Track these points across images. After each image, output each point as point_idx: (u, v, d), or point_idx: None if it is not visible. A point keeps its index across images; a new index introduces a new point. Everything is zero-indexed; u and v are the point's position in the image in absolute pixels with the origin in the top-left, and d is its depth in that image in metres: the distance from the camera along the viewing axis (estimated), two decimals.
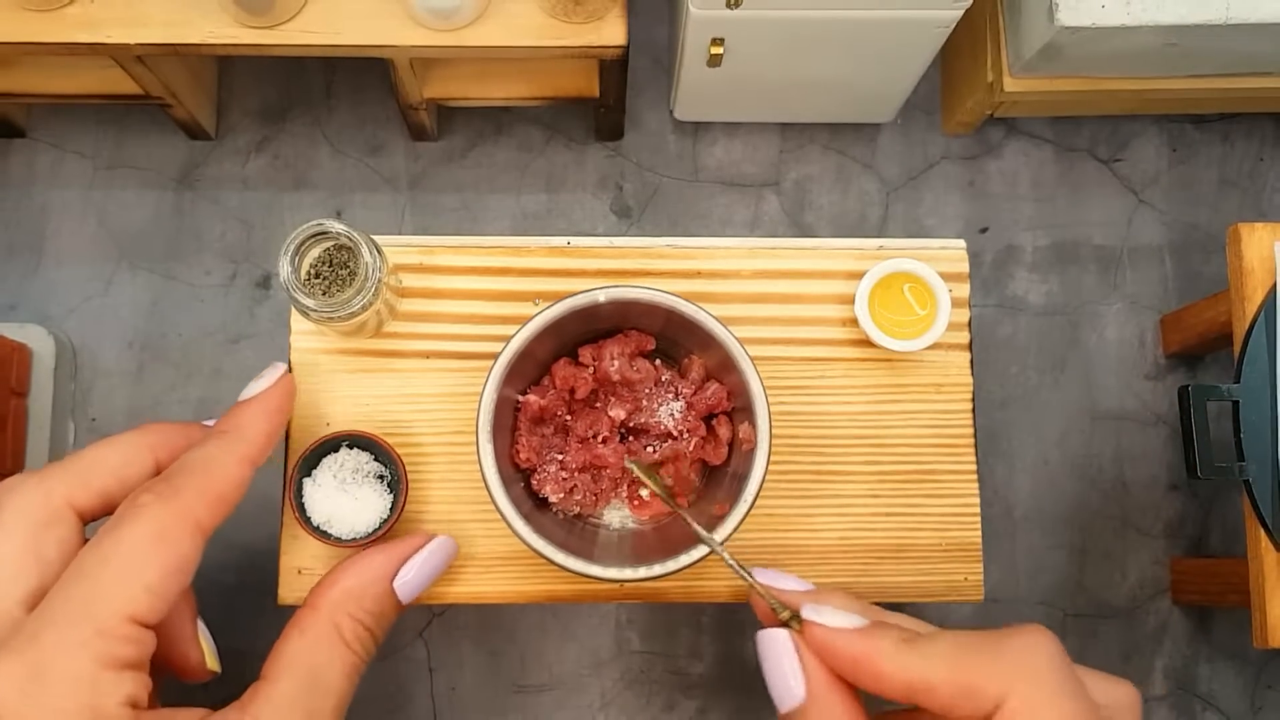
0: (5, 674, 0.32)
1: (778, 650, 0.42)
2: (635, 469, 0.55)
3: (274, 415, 0.47)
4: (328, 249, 0.50)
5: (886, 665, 0.40)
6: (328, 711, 0.40)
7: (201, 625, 0.52)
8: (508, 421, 0.76)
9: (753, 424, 0.73)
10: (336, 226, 0.50)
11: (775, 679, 0.41)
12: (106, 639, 0.34)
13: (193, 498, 0.38)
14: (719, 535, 0.69)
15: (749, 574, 0.46)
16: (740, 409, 0.77)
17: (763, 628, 0.47)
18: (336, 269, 0.51)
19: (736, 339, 0.74)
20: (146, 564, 0.36)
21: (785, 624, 0.45)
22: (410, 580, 0.46)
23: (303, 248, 0.51)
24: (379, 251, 0.51)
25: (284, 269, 0.49)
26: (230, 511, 0.41)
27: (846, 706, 0.41)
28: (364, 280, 0.51)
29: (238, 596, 1.16)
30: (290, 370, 0.51)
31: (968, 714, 0.38)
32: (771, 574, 0.47)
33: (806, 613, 0.44)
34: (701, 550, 0.69)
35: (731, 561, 0.48)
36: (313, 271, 0.51)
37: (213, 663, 0.53)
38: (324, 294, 0.50)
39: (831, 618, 0.43)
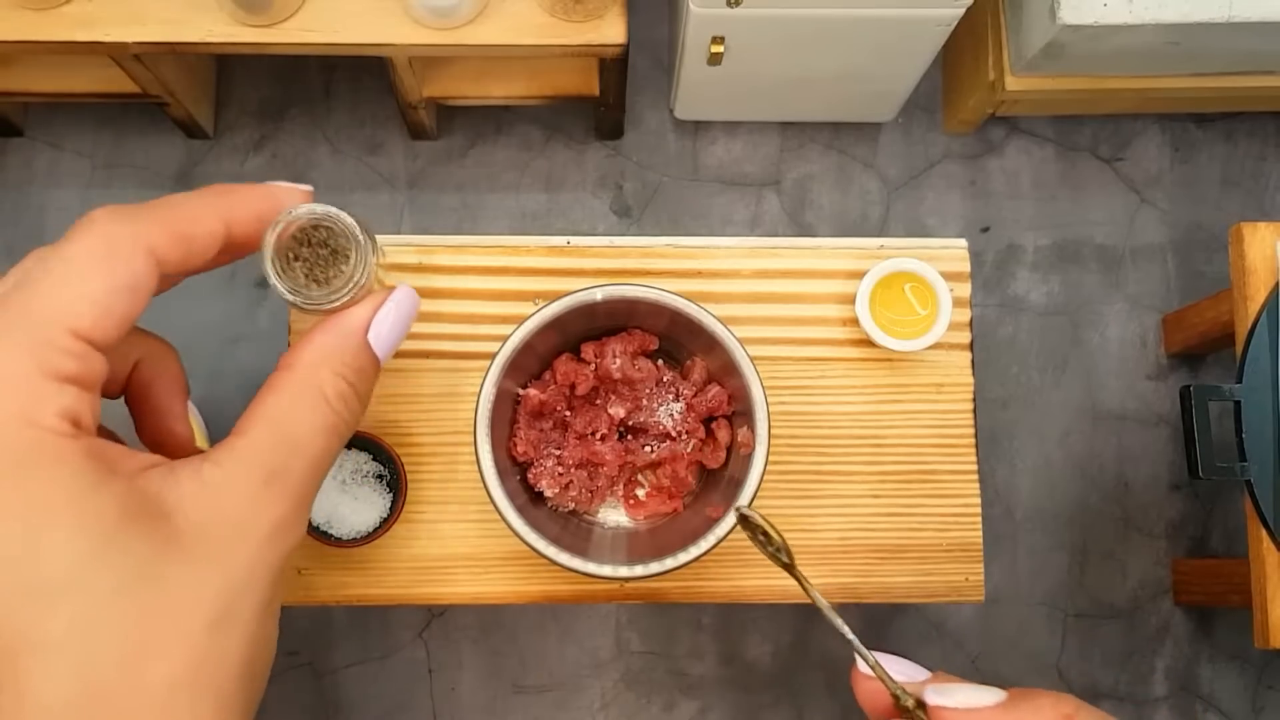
0: None
1: None
2: (756, 518, 0.47)
3: (264, 201, 0.40)
4: (302, 228, 0.42)
5: None
6: (300, 471, 0.35)
7: (192, 405, 0.47)
8: (507, 414, 0.76)
9: (752, 429, 0.73)
10: (319, 209, 0.42)
11: None
12: (45, 347, 0.31)
13: (149, 223, 0.34)
14: (714, 537, 0.68)
15: (872, 656, 0.39)
16: (740, 413, 0.76)
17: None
18: (316, 248, 0.44)
19: (739, 342, 0.73)
20: (91, 274, 0.32)
21: (906, 713, 0.39)
22: (384, 334, 0.41)
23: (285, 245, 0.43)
24: (368, 233, 0.44)
25: (268, 265, 0.42)
26: (194, 262, 0.36)
27: None
28: (356, 263, 0.44)
29: None
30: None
31: None
32: (889, 659, 0.41)
33: (931, 696, 0.38)
34: (699, 550, 0.68)
35: (853, 639, 0.40)
36: (291, 255, 0.43)
37: (202, 442, 0.48)
38: (308, 277, 0.43)
39: (966, 697, 0.37)
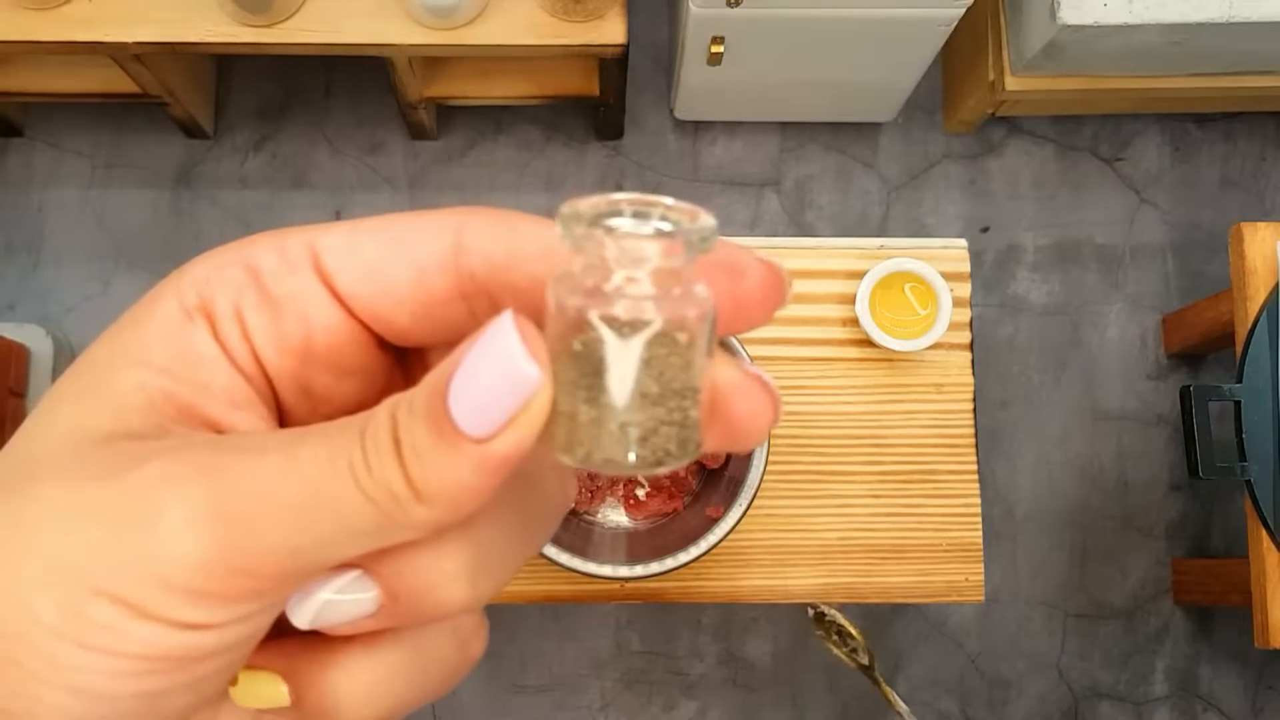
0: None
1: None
2: (836, 616, 0.34)
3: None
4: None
5: None
6: (249, 562, 0.20)
7: None
8: None
9: None
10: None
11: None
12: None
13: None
14: (713, 538, 0.69)
15: None
16: None
17: None
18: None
19: (740, 342, 0.73)
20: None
21: None
22: (472, 403, 0.21)
23: None
24: None
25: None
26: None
27: None
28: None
29: None
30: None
31: None
32: None
33: None
34: (699, 550, 0.68)
35: None
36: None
37: None
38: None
39: None
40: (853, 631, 0.36)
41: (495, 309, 0.22)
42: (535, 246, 0.24)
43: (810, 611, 0.38)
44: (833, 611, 0.36)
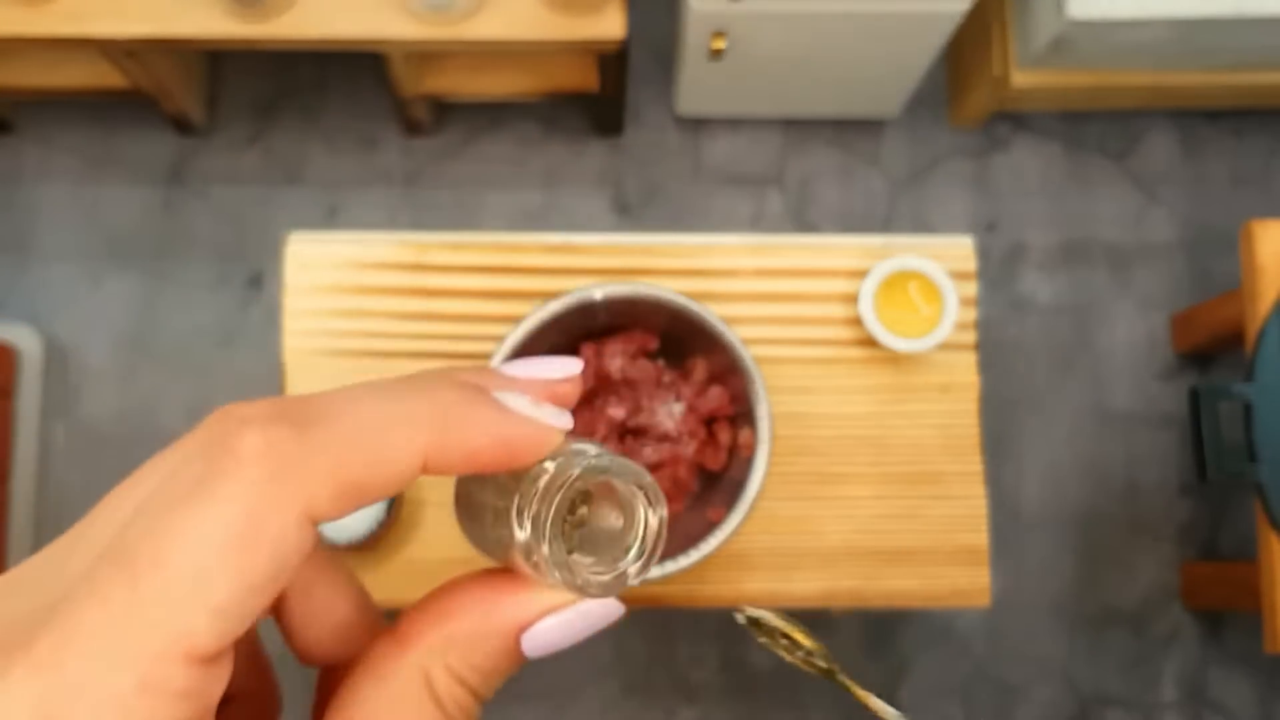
0: (14, 695, 0.22)
1: None
2: (769, 618, 0.30)
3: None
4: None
5: None
6: None
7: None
8: None
9: (754, 430, 0.72)
10: (612, 463, 0.27)
11: None
12: (147, 677, 0.23)
13: (317, 473, 0.23)
14: (715, 541, 0.67)
15: None
16: (742, 414, 0.75)
17: None
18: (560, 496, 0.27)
19: (741, 342, 0.72)
20: (221, 573, 0.23)
21: None
22: (545, 643, 0.28)
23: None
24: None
25: (543, 537, 0.27)
26: (358, 507, 0.25)
27: None
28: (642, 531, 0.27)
29: None
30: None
31: None
32: None
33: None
34: (700, 553, 0.67)
35: None
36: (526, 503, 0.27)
37: None
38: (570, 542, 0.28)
39: None
40: (797, 636, 0.30)
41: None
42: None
43: (739, 618, 0.30)
44: (766, 614, 0.30)
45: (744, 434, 0.74)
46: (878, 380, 0.86)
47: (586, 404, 0.78)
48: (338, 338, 0.82)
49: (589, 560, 0.27)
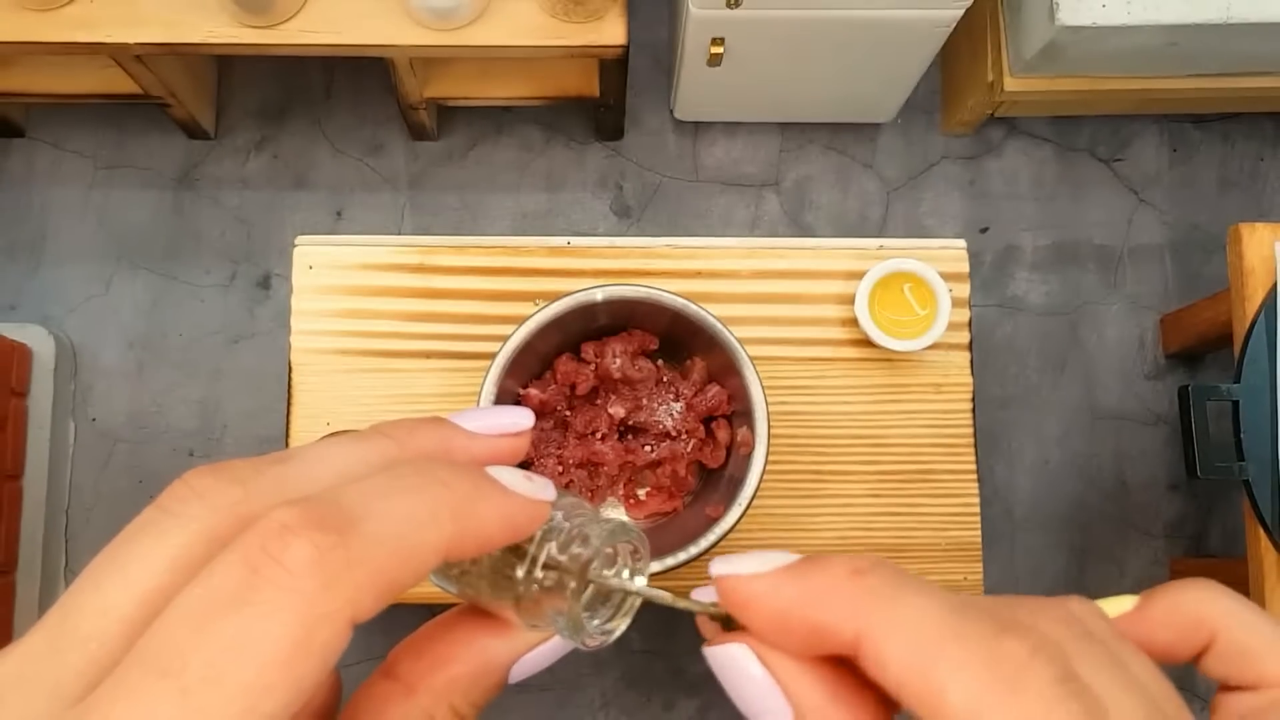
0: None
1: (735, 665, 0.28)
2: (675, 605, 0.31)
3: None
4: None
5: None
6: None
7: None
8: None
9: (752, 428, 0.73)
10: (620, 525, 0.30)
11: (749, 701, 0.27)
12: None
13: (364, 578, 0.24)
14: (714, 536, 0.69)
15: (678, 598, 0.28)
16: (740, 413, 0.77)
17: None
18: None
19: (739, 342, 0.74)
20: (274, 685, 0.22)
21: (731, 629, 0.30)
22: (526, 670, 0.32)
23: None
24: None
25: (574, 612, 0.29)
26: (408, 588, 0.25)
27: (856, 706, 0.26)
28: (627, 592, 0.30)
29: None
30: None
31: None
32: (722, 561, 0.30)
33: (715, 566, 0.29)
34: (699, 549, 0.69)
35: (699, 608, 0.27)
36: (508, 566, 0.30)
37: None
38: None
39: (750, 563, 0.28)
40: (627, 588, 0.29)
41: None
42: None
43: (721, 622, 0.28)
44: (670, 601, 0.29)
45: (742, 432, 0.75)
46: (873, 380, 0.87)
47: (588, 402, 0.80)
48: (344, 338, 0.83)
49: (587, 614, 0.30)
